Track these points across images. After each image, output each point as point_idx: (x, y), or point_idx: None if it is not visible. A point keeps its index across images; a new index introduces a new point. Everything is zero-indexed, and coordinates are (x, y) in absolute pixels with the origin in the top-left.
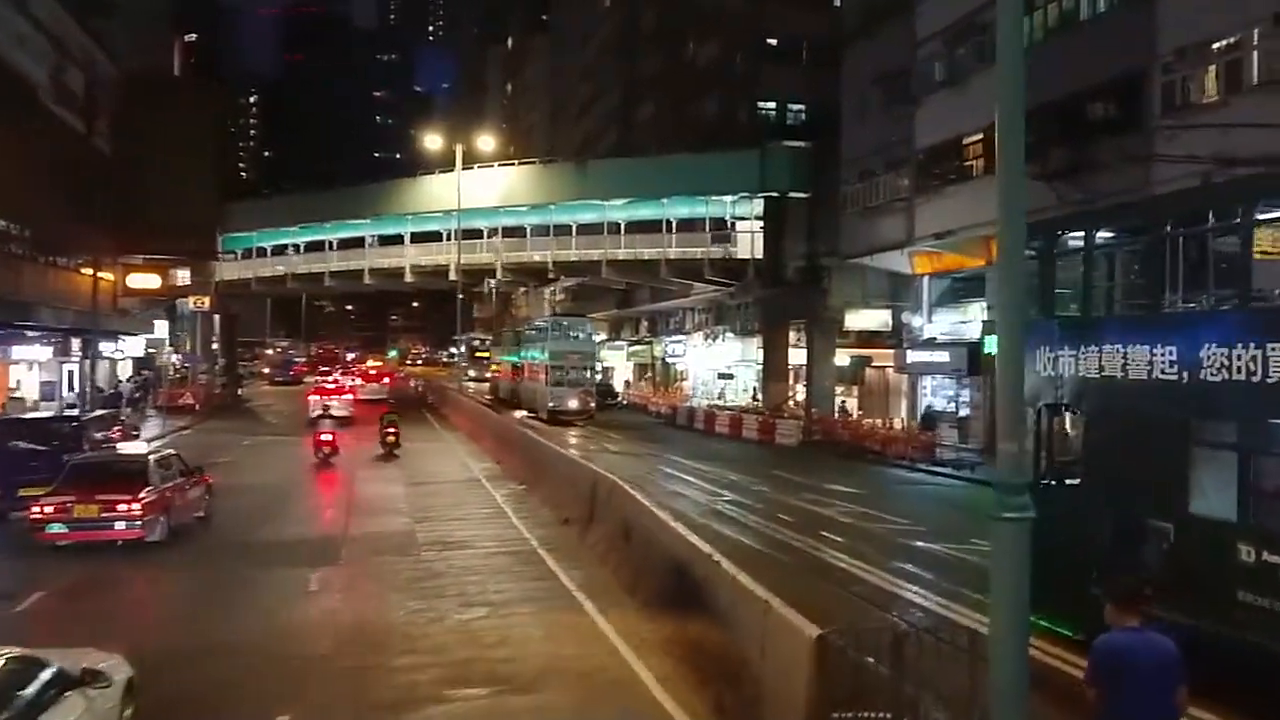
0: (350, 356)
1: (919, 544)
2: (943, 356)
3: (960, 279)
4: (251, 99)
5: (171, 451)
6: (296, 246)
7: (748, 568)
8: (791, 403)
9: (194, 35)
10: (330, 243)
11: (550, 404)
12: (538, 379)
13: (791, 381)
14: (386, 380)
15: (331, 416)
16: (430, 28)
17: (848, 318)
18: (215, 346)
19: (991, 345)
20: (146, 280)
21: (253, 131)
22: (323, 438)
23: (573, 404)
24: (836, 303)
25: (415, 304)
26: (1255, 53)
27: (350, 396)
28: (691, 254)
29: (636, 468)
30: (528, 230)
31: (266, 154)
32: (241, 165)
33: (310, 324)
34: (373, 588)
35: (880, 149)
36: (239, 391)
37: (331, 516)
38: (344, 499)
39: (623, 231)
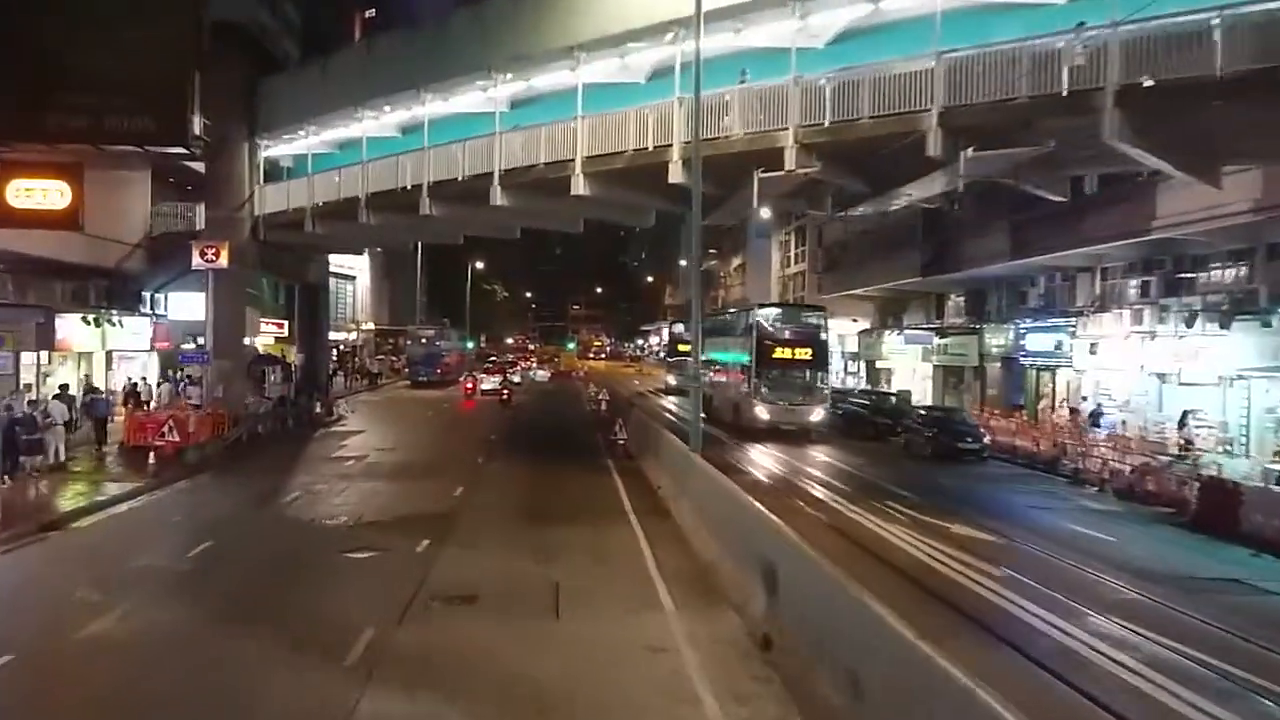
0: (530, 348)
1: None
2: None
3: None
4: None
5: None
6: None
7: None
8: None
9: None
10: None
11: None
12: None
13: None
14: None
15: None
16: None
17: None
18: (284, 335)
19: None
20: (39, 192)
21: None
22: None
23: None
24: None
25: (599, 289)
26: None
27: (500, 377)
28: None
29: None
30: (825, 89)
31: None
32: None
33: (481, 315)
34: None
35: None
36: (320, 407)
37: None
38: None
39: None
